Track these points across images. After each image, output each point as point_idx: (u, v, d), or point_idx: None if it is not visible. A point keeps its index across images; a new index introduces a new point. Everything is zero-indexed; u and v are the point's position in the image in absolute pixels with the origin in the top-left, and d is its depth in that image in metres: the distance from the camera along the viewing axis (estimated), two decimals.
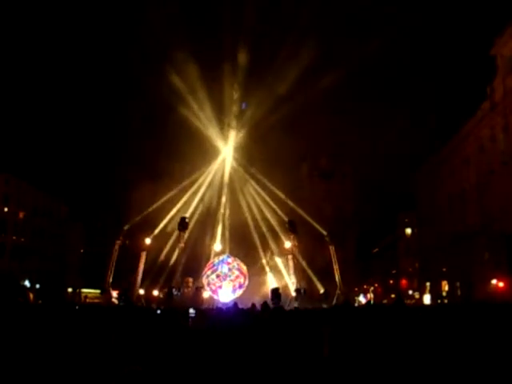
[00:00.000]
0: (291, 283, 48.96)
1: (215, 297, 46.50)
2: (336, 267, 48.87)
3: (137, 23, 58.01)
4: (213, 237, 55.40)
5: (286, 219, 50.81)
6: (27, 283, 61.52)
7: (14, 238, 66.09)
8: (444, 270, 56.32)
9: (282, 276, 52.60)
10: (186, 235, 49.86)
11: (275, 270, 54.03)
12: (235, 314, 18.19)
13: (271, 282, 51.94)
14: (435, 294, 59.41)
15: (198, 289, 48.27)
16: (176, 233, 50.41)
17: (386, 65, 74.28)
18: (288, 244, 50.09)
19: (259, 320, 16.11)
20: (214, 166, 57.72)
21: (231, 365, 11.73)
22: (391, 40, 52.35)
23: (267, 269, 53.84)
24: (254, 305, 21.27)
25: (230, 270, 47.00)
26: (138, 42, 56.70)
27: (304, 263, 51.88)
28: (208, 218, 57.80)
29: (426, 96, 63.74)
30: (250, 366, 11.60)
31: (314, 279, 51.08)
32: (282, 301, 41.49)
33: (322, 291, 48.85)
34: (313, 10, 56.73)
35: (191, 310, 22.32)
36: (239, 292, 46.51)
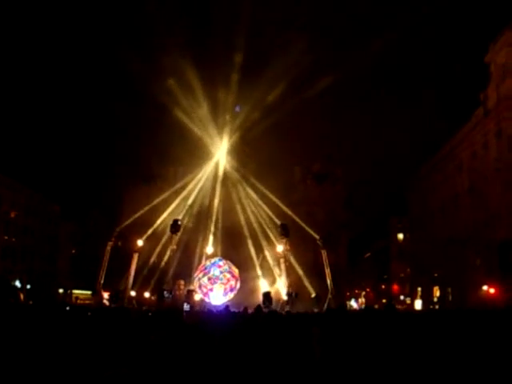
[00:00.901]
0: (283, 287, 48.92)
1: (206, 299, 46.42)
2: (328, 271, 48.83)
3: (131, 26, 57.82)
4: (205, 240, 55.39)
5: (278, 223, 50.78)
6: (18, 283, 61.23)
7: (6, 237, 65.77)
8: (436, 275, 56.47)
9: (274, 279, 52.63)
10: (178, 238, 49.76)
11: (267, 273, 54.06)
12: (226, 317, 18.16)
13: (263, 286, 51.94)
14: (427, 299, 59.53)
15: (190, 291, 48.16)
16: (168, 235, 50.31)
17: (380, 70, 74.48)
18: (280, 248, 50.06)
19: (251, 323, 16.07)
20: (207, 169, 57.71)
21: (223, 366, 11.70)
22: (385, 46, 52.42)
23: (259, 272, 53.88)
24: (246, 308, 21.22)
25: (221, 272, 46.90)
26: (133, 45, 56.51)
27: (296, 267, 51.87)
28: (200, 221, 57.85)
29: (419, 101, 64.06)
30: (241, 368, 11.58)
31: (306, 283, 51.09)
32: (273, 304, 41.48)
33: (313, 295, 48.84)
34: (308, 13, 56.77)
35: (185, 306, 22.33)
36: (231, 295, 46.44)
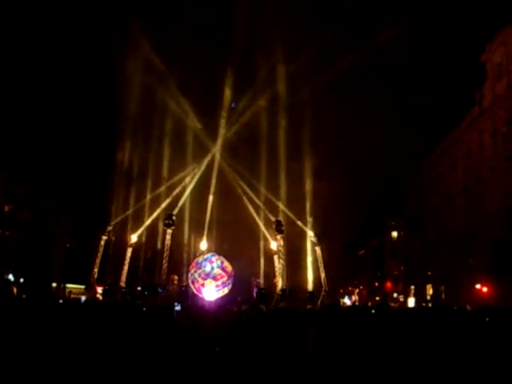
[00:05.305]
0: (277, 283, 49.00)
1: (199, 295, 46.43)
2: (322, 268, 48.96)
3: (127, 21, 57.27)
4: (199, 234, 55.30)
5: (273, 219, 50.79)
6: (11, 277, 61.05)
7: None
8: (429, 273, 56.57)
9: (268, 275, 52.68)
10: (172, 232, 49.75)
11: (262, 269, 54.11)
12: (217, 315, 18.20)
13: (258, 282, 52.09)
14: (420, 297, 59.67)
15: (184, 287, 48.22)
16: (162, 230, 50.29)
17: (377, 68, 74.33)
18: (274, 244, 50.11)
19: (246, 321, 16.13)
20: (203, 165, 57.45)
21: (217, 363, 11.74)
22: (381, 44, 52.19)
23: (261, 266, 53.99)
24: (239, 305, 21.28)
25: (213, 268, 46.90)
26: (128, 41, 56.08)
27: (291, 263, 51.90)
28: (195, 216, 57.70)
29: (415, 100, 63.94)
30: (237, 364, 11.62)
31: (301, 279, 51.18)
32: (267, 301, 41.58)
33: (309, 290, 48.99)
34: (305, 11, 56.53)
35: (176, 306, 22.31)
36: (224, 290, 46.43)
